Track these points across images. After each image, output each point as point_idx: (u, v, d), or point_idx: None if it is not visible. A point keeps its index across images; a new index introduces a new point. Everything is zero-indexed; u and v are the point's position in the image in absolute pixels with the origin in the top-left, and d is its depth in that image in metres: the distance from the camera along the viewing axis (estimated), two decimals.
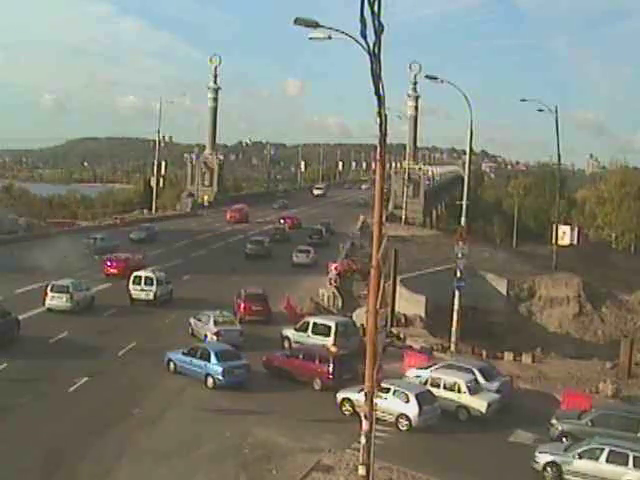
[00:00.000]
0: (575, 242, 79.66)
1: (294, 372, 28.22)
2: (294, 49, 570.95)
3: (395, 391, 24.47)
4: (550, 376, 33.04)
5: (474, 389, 26.47)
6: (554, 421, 24.81)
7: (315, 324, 32.38)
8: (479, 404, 25.95)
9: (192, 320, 33.49)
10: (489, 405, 25.97)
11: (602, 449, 21.30)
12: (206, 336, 31.77)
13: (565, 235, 74.98)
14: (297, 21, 15.84)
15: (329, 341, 31.07)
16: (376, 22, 14.36)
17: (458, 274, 35.16)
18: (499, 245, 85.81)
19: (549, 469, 21.73)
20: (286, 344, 32.46)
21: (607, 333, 49.89)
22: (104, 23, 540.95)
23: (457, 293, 35.37)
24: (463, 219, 36.26)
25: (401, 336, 37.13)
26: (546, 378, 32.66)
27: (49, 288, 35.45)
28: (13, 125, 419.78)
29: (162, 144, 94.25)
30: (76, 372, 26.53)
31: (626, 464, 20.71)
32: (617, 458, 20.91)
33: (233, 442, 21.94)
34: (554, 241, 65.14)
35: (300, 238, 62.22)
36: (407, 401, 24.17)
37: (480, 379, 27.79)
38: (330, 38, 16.26)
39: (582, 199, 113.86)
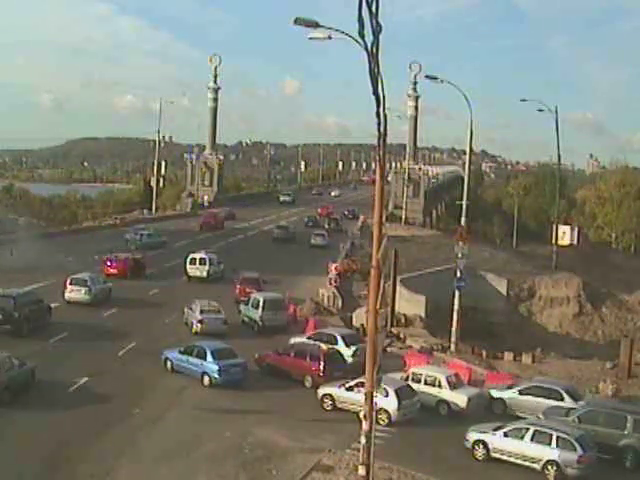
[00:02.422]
0: (575, 242, 79.69)
1: (286, 370, 28.53)
2: (293, 49, 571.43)
3: None
4: (550, 376, 33.02)
5: (454, 384, 26.75)
6: (541, 416, 25.04)
7: (254, 298, 36.45)
8: (459, 399, 26.24)
9: (185, 309, 35.30)
10: (469, 400, 26.27)
11: (527, 428, 22.21)
12: (193, 322, 33.85)
13: (565, 235, 75.04)
14: (297, 21, 15.84)
15: (258, 313, 35.25)
16: (374, 22, 14.34)
17: (458, 274, 35.17)
18: (499, 245, 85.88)
19: (477, 447, 22.56)
20: (240, 316, 36.74)
21: (607, 333, 49.93)
22: (104, 23, 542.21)
23: (457, 293, 35.39)
24: (463, 219, 36.27)
25: (401, 336, 37.15)
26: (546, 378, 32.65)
27: (68, 282, 36.93)
28: (13, 125, 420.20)
29: (162, 144, 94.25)
30: (76, 372, 26.55)
31: (549, 444, 21.50)
32: (541, 438, 21.74)
33: (233, 442, 21.95)
34: (554, 241, 65.18)
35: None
36: (386, 395, 24.24)
37: (341, 344, 30.38)
38: (330, 38, 16.26)
39: (582, 199, 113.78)
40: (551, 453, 21.40)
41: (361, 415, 17.48)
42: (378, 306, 16.76)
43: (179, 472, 19.78)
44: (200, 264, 45.33)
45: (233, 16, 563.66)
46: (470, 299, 39.34)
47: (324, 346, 29.25)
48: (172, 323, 35.47)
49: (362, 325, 34.83)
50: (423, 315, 41.35)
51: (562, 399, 26.03)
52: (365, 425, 16.97)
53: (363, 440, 16.97)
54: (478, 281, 46.95)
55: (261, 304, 35.38)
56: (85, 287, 36.86)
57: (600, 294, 53.14)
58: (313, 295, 42.46)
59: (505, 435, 22.33)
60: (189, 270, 45.38)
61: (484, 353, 35.79)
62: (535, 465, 21.64)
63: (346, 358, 29.39)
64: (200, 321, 33.18)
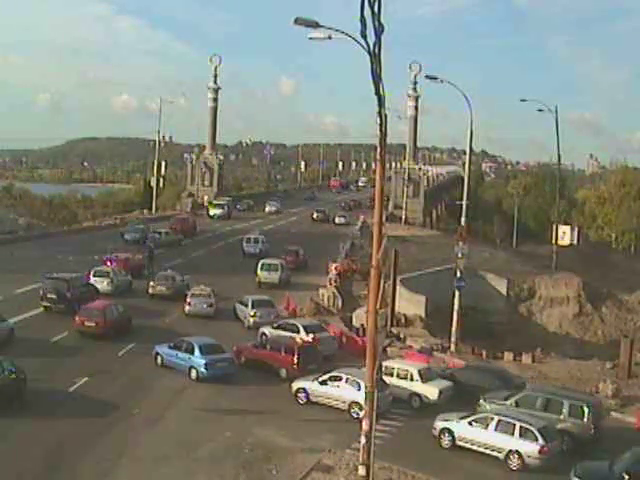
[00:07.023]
0: (575, 242, 79.53)
1: (262, 362, 29.22)
2: (293, 49, 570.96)
3: (347, 379, 25.31)
4: (550, 376, 33.05)
5: (426, 377, 27.10)
6: (482, 401, 25.47)
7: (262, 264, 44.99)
8: (431, 391, 26.66)
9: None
10: (440, 392, 26.65)
11: (492, 418, 22.59)
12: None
13: (565, 235, 74.74)
14: (297, 21, 15.86)
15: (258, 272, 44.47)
16: (376, 22, 14.35)
17: (458, 274, 35.17)
18: (499, 245, 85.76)
19: (444, 435, 23.01)
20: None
21: (607, 333, 49.89)
22: (103, 23, 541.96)
23: (457, 293, 35.39)
24: (463, 219, 36.27)
25: (401, 336, 37.14)
26: (546, 378, 32.67)
27: (92, 273, 39.32)
28: (13, 125, 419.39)
29: (162, 144, 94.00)
30: (76, 372, 26.57)
31: (512, 433, 21.91)
32: (504, 428, 22.15)
33: (233, 442, 21.98)
34: (554, 241, 65.07)
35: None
36: (359, 389, 24.32)
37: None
38: (330, 38, 16.28)
39: (582, 199, 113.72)
40: (513, 443, 21.80)
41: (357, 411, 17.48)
42: (378, 306, 16.78)
43: (179, 472, 19.81)
44: (254, 243, 54.58)
45: (233, 16, 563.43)
46: (470, 299, 39.32)
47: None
48: (172, 323, 35.47)
49: (362, 325, 34.84)
50: (423, 315, 41.34)
51: (298, 332, 31.65)
52: (365, 425, 17.00)
53: (363, 440, 17.00)
54: (478, 281, 46.94)
55: (260, 267, 44.53)
56: (107, 278, 39.18)
57: (600, 294, 53.08)
58: (313, 295, 42.47)
59: (470, 424, 22.72)
60: (245, 248, 54.21)
61: (484, 353, 35.77)
62: (498, 454, 22.03)
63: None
64: (188, 303, 36.58)
